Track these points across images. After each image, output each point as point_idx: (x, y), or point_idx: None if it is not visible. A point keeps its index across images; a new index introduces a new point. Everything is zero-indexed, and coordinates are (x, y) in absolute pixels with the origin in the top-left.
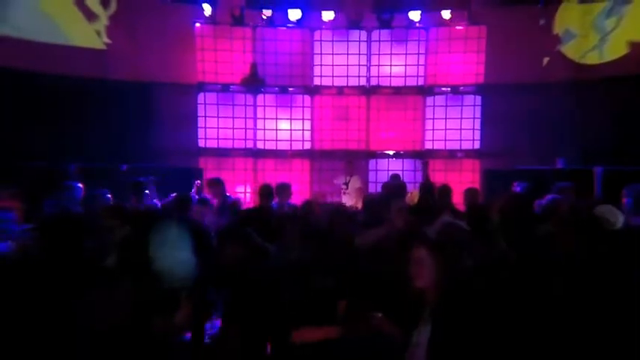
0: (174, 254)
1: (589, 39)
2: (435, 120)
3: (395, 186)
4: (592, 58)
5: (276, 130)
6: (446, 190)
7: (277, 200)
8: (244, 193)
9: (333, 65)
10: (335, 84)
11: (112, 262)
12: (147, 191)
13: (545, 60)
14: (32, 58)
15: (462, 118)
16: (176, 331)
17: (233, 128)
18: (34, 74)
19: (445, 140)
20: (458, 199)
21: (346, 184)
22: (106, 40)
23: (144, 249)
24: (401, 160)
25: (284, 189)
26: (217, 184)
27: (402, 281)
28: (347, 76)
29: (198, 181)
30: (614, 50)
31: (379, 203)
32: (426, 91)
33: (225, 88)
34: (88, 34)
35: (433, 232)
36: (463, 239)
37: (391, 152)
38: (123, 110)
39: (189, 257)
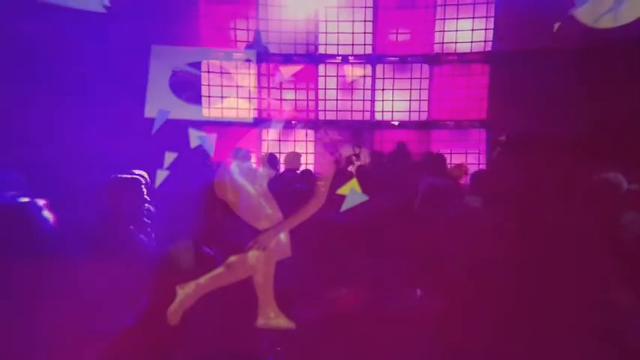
0: None
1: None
2: (440, 89)
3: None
4: (606, 22)
5: (281, 99)
6: None
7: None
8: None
9: (338, 33)
10: (340, 53)
11: None
12: None
13: (556, 25)
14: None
15: (468, 87)
16: None
17: (237, 97)
18: None
19: (451, 110)
20: None
21: (357, 155)
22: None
23: None
24: (406, 130)
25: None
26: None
27: None
28: (352, 45)
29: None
30: (629, 12)
31: None
32: (432, 59)
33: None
34: None
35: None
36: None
37: (396, 123)
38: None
39: None
